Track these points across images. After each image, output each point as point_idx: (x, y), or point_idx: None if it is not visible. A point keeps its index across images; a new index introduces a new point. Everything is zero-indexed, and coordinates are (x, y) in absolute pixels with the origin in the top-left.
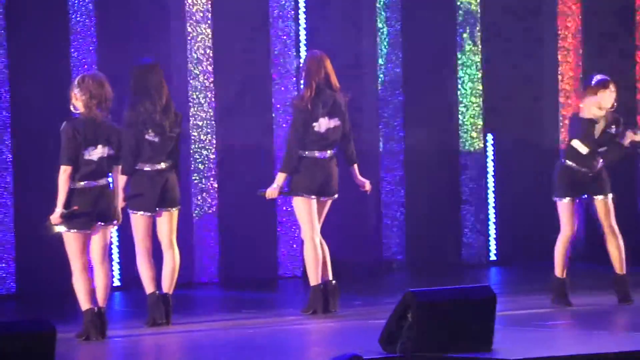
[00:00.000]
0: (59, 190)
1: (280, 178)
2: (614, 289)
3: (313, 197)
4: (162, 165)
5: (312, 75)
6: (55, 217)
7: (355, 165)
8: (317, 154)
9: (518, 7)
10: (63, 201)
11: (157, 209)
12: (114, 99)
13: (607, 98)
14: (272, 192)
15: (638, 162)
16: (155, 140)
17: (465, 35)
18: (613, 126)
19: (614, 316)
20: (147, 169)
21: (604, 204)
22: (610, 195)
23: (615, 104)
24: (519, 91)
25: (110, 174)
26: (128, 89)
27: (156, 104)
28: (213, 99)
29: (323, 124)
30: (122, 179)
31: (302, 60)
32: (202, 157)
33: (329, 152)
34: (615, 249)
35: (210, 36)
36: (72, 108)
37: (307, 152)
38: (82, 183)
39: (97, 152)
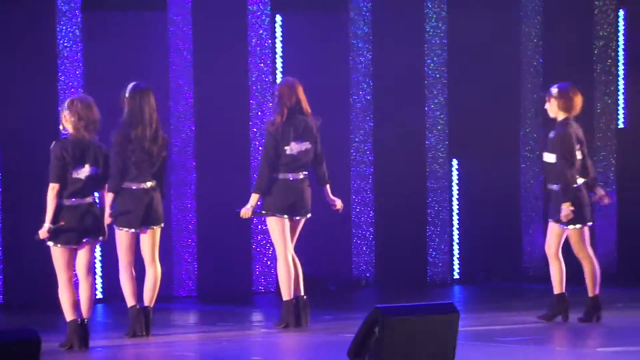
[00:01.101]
0: (48, 206)
1: (253, 199)
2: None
3: (285, 216)
4: (148, 184)
5: (283, 100)
6: (43, 232)
7: (328, 186)
8: (289, 175)
9: (485, 37)
10: (51, 217)
11: (142, 226)
12: (101, 121)
13: (549, 108)
14: (246, 212)
15: None
16: (141, 162)
17: (432, 65)
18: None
19: (575, 333)
20: (133, 187)
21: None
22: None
23: (551, 114)
24: (483, 119)
25: (96, 192)
26: (119, 109)
27: (146, 130)
28: (193, 123)
29: (294, 147)
30: (108, 197)
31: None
32: (182, 177)
33: (301, 173)
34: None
35: (191, 63)
36: (61, 129)
37: (280, 174)
38: (69, 200)
39: (84, 171)
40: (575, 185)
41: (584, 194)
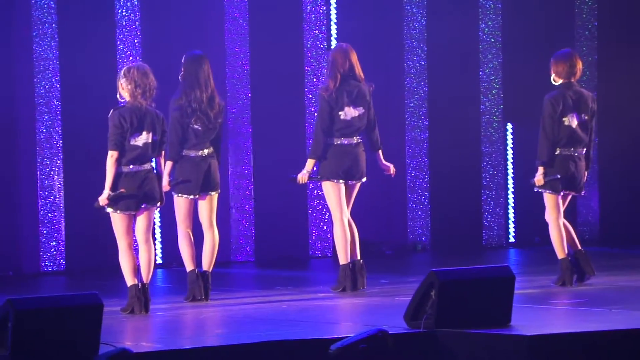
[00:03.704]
0: (107, 174)
1: (309, 164)
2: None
3: (340, 181)
4: (206, 151)
5: (337, 66)
6: (103, 199)
7: (380, 151)
8: (344, 140)
9: (539, 1)
10: (110, 184)
11: (200, 192)
12: (157, 88)
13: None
14: (302, 177)
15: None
16: (199, 129)
17: (486, 30)
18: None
19: (627, 295)
20: (192, 154)
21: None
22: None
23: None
24: (537, 83)
25: (154, 159)
26: (176, 77)
27: (203, 94)
28: (249, 90)
29: (348, 113)
30: (167, 165)
31: None
32: (239, 143)
33: (355, 138)
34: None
35: (247, 31)
36: (118, 97)
37: (334, 139)
38: (128, 167)
39: (142, 138)
40: (557, 153)
41: (568, 164)
